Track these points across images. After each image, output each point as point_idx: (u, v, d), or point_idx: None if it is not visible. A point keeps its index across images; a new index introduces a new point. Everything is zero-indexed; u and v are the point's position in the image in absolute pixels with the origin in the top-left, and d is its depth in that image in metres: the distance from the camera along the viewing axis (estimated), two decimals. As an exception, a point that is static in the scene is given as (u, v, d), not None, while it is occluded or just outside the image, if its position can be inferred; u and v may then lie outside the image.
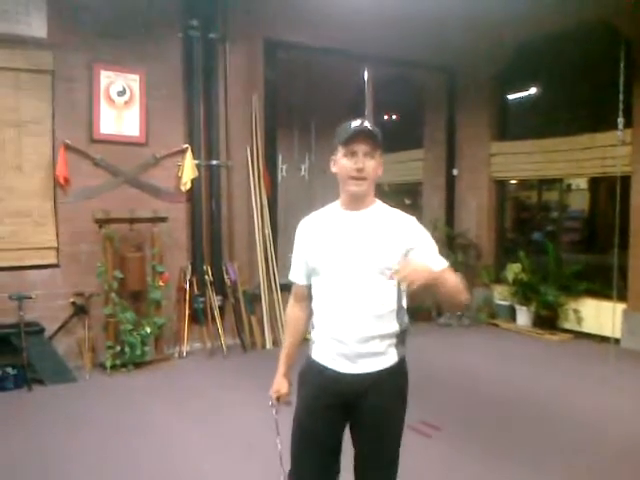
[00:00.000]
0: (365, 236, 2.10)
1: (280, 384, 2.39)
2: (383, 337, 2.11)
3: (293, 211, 7.26)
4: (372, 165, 2.10)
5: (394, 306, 2.13)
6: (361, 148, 2.07)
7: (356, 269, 2.08)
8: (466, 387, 5.31)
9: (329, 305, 2.15)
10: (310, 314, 2.30)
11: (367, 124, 2.09)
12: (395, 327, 2.14)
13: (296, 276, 2.34)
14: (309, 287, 2.28)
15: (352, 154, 2.08)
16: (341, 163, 2.12)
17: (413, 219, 2.17)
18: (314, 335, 2.24)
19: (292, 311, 2.41)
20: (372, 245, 2.08)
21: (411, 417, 2.34)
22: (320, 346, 2.20)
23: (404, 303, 2.18)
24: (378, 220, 2.13)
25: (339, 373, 2.14)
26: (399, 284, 2.10)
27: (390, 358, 2.14)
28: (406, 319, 2.18)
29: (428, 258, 2.04)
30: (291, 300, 2.42)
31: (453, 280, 2.05)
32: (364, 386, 2.11)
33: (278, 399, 2.39)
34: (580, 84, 7.23)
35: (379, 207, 2.19)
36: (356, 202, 2.14)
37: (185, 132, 6.40)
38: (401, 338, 2.17)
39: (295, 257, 2.31)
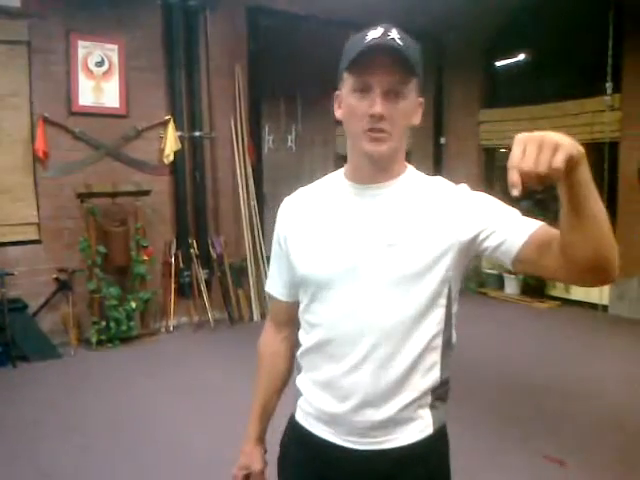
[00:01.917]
0: (396, 229, 1.26)
1: (251, 456, 1.49)
2: (417, 393, 1.30)
3: (281, 182, 7.18)
4: (402, 110, 1.22)
5: (439, 341, 1.33)
6: (381, 80, 1.19)
7: (381, 283, 1.25)
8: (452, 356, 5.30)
9: (328, 338, 1.30)
10: (295, 346, 1.45)
11: (394, 34, 1.22)
12: (436, 375, 1.34)
13: (275, 287, 1.47)
14: (295, 305, 1.42)
15: (364, 90, 1.21)
16: (348, 103, 1.25)
17: (464, 187, 1.32)
18: (300, 383, 1.41)
19: (268, 341, 1.52)
20: (409, 244, 1.25)
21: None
22: (308, 402, 1.37)
23: (454, 334, 1.39)
24: (414, 201, 1.30)
25: (335, 447, 1.30)
26: (450, 302, 1.37)
27: (423, 426, 1.33)
28: (450, 360, 1.40)
29: (516, 231, 1.20)
30: (268, 324, 1.54)
31: (602, 207, 1.07)
32: (377, 475, 1.29)
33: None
34: (569, 49, 7.12)
35: (411, 177, 1.35)
36: (375, 171, 1.29)
37: (167, 103, 6.25)
38: (442, 391, 1.38)
39: (275, 258, 1.44)
